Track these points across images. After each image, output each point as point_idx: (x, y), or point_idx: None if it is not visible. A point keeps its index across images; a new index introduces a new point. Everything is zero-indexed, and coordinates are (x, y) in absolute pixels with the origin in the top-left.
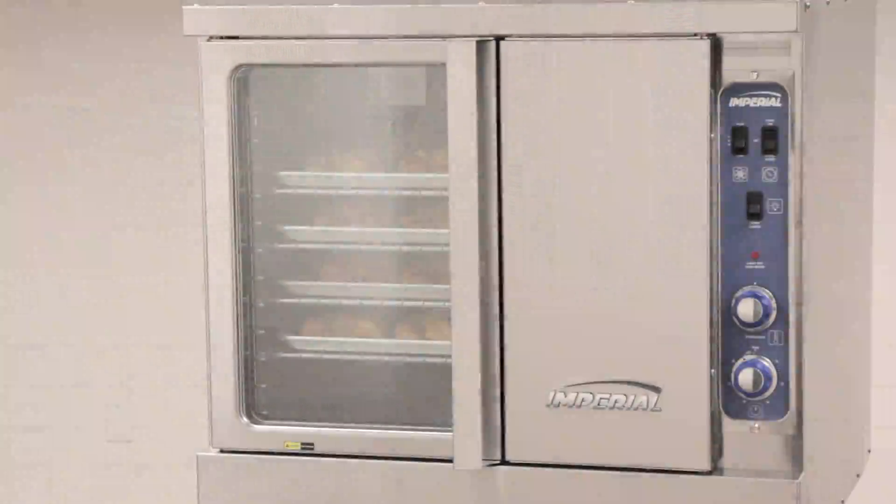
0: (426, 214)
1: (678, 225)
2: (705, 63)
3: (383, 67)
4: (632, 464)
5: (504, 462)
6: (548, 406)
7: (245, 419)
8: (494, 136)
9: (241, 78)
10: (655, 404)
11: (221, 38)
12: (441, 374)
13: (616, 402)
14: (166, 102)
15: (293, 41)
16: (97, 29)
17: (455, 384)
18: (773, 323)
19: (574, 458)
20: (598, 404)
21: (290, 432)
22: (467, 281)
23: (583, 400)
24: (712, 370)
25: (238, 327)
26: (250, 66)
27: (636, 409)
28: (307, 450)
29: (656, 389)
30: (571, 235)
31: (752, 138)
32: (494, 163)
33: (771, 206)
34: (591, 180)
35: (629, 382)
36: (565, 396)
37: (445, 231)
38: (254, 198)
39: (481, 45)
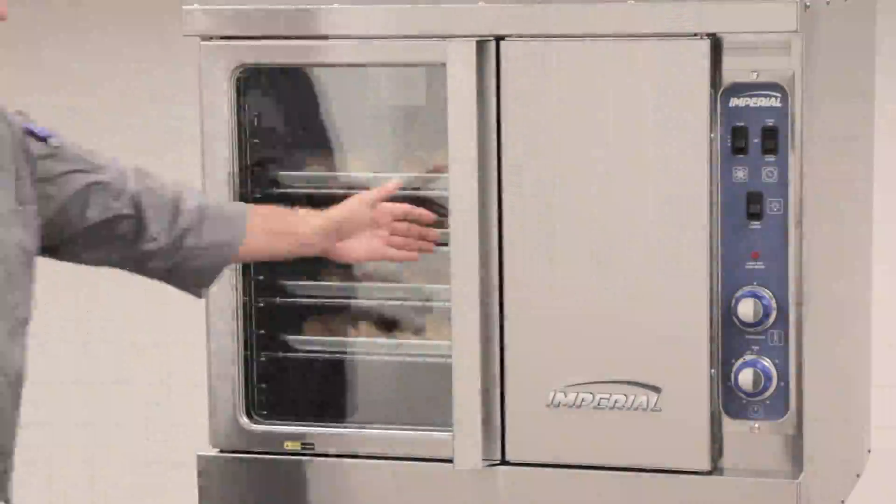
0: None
1: (678, 225)
2: (705, 63)
3: (383, 67)
4: (632, 464)
5: (504, 462)
6: (548, 406)
7: (245, 419)
8: (494, 135)
9: (241, 78)
10: (655, 404)
11: (221, 38)
12: (441, 374)
13: (616, 402)
14: (166, 102)
15: (293, 41)
16: (97, 29)
17: (455, 384)
18: (773, 323)
19: (574, 458)
20: (598, 404)
21: (291, 432)
22: (467, 281)
23: (583, 400)
24: (712, 370)
25: (238, 327)
26: (250, 66)
27: (636, 409)
28: (307, 450)
29: (656, 389)
30: (571, 235)
31: (752, 138)
32: (494, 163)
33: (771, 206)
34: (592, 180)
35: (629, 382)
36: (565, 396)
37: (445, 231)
38: (254, 198)
39: (481, 45)
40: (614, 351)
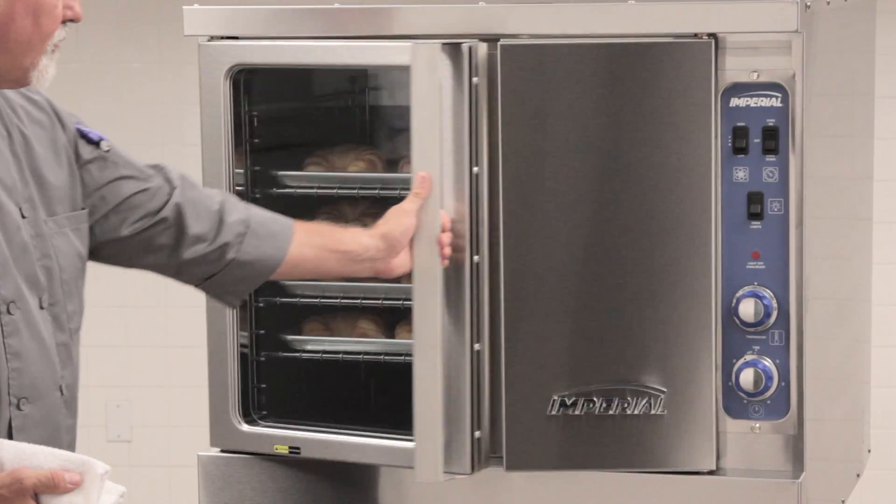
0: None
1: (681, 226)
2: (706, 63)
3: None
4: (636, 468)
5: (505, 467)
6: (551, 411)
7: (241, 420)
8: (486, 136)
9: (241, 78)
10: (661, 407)
11: (221, 38)
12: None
13: (621, 405)
14: (166, 102)
15: (291, 41)
16: (97, 29)
17: (416, 394)
18: (774, 323)
19: (577, 463)
20: (603, 409)
21: (279, 435)
22: (430, 284)
23: (587, 405)
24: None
25: (237, 327)
26: (243, 66)
27: (641, 412)
28: (294, 454)
29: (661, 392)
30: (573, 237)
31: (752, 138)
32: (486, 163)
33: (771, 206)
34: (592, 183)
35: (634, 385)
36: (569, 401)
37: None
38: (254, 198)
39: (455, 47)
40: (618, 354)
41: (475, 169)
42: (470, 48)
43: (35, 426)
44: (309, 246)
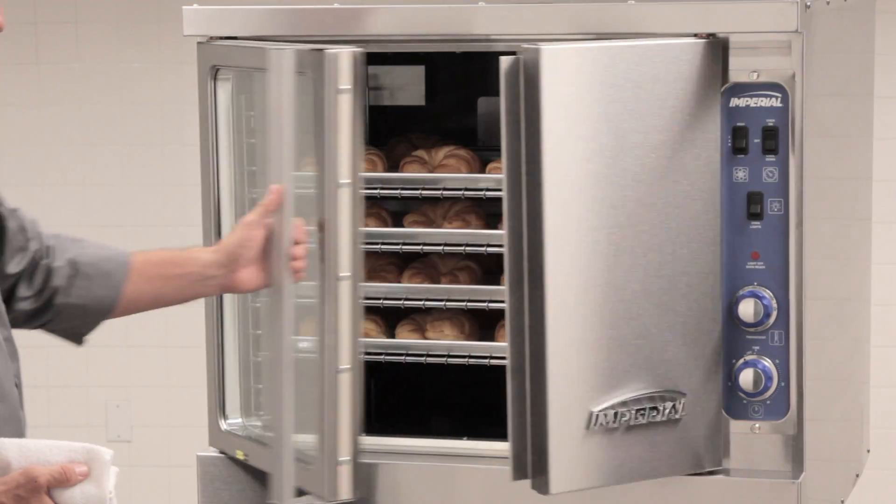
0: (425, 213)
1: (689, 228)
2: (705, 63)
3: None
4: (661, 474)
5: (551, 490)
6: (590, 427)
7: (225, 420)
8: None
9: (240, 78)
10: (682, 410)
11: (221, 38)
12: (441, 373)
13: (652, 412)
14: (166, 102)
15: (282, 42)
16: (97, 29)
17: (271, 416)
18: (774, 323)
19: (617, 477)
20: (636, 419)
21: (239, 443)
22: (278, 299)
23: (622, 416)
24: None
25: (235, 327)
26: (223, 66)
27: (667, 417)
28: (247, 460)
29: (683, 395)
30: (584, 246)
31: (752, 138)
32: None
33: (771, 206)
34: (593, 184)
35: (660, 392)
36: (606, 415)
37: (444, 231)
38: (252, 198)
39: (345, 51)
40: (644, 361)
41: (343, 181)
42: (337, 55)
43: (5, 424)
44: (146, 278)
